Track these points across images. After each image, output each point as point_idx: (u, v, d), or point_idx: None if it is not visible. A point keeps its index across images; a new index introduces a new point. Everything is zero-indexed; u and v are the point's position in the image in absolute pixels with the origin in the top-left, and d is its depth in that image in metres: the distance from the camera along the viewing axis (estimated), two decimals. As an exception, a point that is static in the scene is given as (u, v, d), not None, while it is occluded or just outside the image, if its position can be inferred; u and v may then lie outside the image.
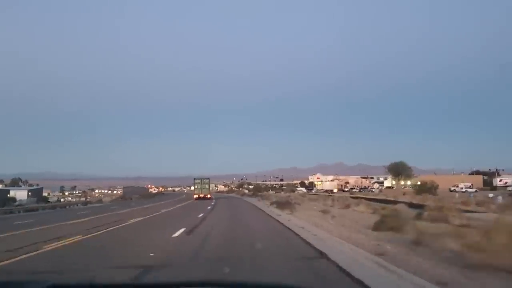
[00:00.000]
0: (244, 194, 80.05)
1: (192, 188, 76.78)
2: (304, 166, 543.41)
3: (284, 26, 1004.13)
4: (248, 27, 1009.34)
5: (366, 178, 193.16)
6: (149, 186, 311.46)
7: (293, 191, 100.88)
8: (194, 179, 66.38)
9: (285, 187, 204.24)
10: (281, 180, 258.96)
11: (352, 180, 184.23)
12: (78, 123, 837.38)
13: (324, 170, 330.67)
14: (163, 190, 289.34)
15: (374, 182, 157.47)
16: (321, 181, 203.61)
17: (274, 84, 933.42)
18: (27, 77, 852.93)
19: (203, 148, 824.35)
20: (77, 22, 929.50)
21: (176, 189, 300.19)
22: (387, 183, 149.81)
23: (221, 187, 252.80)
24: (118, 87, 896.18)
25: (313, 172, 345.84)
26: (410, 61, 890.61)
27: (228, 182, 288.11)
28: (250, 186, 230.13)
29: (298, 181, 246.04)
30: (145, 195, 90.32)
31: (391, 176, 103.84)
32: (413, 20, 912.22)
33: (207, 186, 64.74)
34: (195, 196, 61.77)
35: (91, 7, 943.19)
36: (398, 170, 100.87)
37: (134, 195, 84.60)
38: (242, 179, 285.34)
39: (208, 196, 61.57)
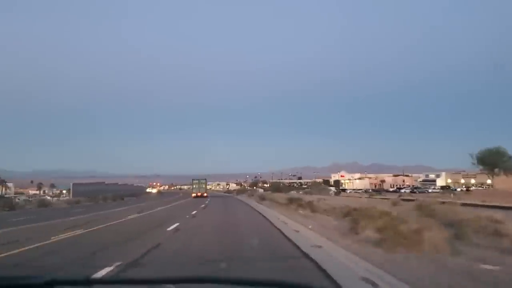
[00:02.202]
0: (264, 198, 41.51)
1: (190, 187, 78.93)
2: (318, 165, 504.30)
3: (290, 23, 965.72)
4: (256, 24, 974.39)
5: (403, 175, 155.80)
6: (156, 184, 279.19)
7: (339, 192, 64.23)
8: (193, 179, 69.56)
9: (306, 187, 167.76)
10: (299, 178, 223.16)
11: (389, 178, 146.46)
12: (95, 121, 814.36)
13: (339, 169, 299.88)
14: (169, 188, 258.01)
15: (422, 181, 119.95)
16: (349, 179, 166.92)
17: (285, 83, 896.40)
18: (43, 78, 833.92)
19: (217, 147, 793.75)
20: (88, 23, 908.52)
21: (185, 187, 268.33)
22: (440, 182, 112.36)
23: (233, 185, 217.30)
24: (136, 87, 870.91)
25: (328, 171, 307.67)
26: (425, 57, 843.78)
27: (241, 181, 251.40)
28: (265, 185, 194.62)
29: (318, 180, 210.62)
30: (115, 197, 56.22)
31: (487, 171, 66.63)
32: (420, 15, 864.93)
33: (203, 186, 67.02)
34: (193, 194, 64.30)
35: (97, 8, 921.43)
36: (493, 160, 63.89)
37: (84, 196, 50.61)
38: (255, 177, 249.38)
39: (205, 194, 64.07)
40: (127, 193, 74.53)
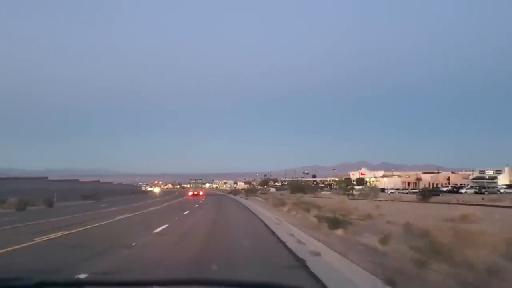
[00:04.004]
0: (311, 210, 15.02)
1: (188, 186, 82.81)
2: (327, 164, 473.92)
3: (301, 19, 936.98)
4: (265, 23, 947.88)
5: (437, 172, 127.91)
6: (158, 183, 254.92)
7: (428, 196, 37.59)
8: (190, 179, 74.94)
9: (323, 185, 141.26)
10: (314, 176, 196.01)
11: (426, 176, 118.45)
12: (103, 120, 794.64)
13: (348, 168, 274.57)
14: (173, 187, 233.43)
15: (475, 179, 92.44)
16: (375, 177, 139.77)
17: (292, 82, 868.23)
18: (52, 79, 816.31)
19: (225, 146, 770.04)
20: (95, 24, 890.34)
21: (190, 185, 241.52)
22: (503, 179, 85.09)
23: (241, 184, 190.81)
24: (145, 86, 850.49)
25: (338, 170, 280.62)
26: (433, 56, 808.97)
27: (249, 179, 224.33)
28: (277, 184, 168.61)
29: (335, 178, 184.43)
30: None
31: None
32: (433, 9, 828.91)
33: (200, 185, 70.49)
34: (190, 193, 64.79)
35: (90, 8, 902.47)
36: None
37: None
38: (265, 175, 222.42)
39: (201, 193, 64.85)
40: (88, 193, 49.07)
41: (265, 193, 64.86)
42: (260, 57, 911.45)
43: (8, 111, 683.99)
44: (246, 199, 41.75)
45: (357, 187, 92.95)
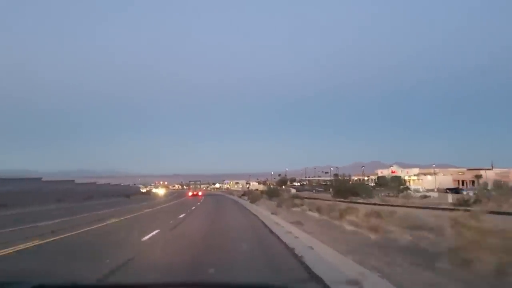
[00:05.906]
0: None
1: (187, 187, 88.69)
2: (339, 164, 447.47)
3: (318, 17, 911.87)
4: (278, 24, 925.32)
5: (488, 168, 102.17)
6: (163, 183, 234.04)
7: None
8: (190, 181, 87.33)
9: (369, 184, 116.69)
10: (336, 175, 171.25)
11: (490, 172, 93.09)
12: (114, 120, 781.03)
13: (361, 168, 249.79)
14: (181, 188, 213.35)
15: None
16: (415, 175, 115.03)
17: (302, 84, 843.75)
18: (62, 80, 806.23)
19: (234, 146, 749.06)
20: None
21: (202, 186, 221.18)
22: None
23: (254, 184, 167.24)
24: (161, 85, 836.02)
25: (351, 170, 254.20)
26: (446, 57, 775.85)
27: (262, 179, 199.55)
28: (296, 184, 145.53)
29: (364, 177, 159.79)
30: None
31: None
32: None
33: (199, 187, 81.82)
34: (190, 193, 67.04)
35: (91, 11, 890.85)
36: None
37: None
38: (279, 175, 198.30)
39: (200, 193, 67.55)
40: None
41: (299, 197, 41.06)
42: (270, 59, 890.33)
43: (10, 115, 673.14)
44: (303, 226, 15.40)
45: (412, 187, 69.11)
